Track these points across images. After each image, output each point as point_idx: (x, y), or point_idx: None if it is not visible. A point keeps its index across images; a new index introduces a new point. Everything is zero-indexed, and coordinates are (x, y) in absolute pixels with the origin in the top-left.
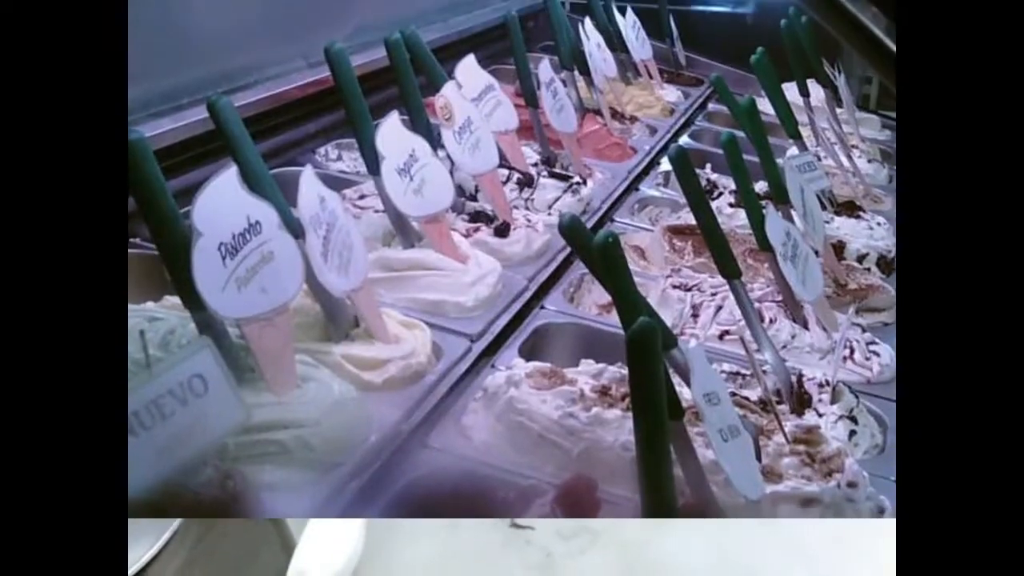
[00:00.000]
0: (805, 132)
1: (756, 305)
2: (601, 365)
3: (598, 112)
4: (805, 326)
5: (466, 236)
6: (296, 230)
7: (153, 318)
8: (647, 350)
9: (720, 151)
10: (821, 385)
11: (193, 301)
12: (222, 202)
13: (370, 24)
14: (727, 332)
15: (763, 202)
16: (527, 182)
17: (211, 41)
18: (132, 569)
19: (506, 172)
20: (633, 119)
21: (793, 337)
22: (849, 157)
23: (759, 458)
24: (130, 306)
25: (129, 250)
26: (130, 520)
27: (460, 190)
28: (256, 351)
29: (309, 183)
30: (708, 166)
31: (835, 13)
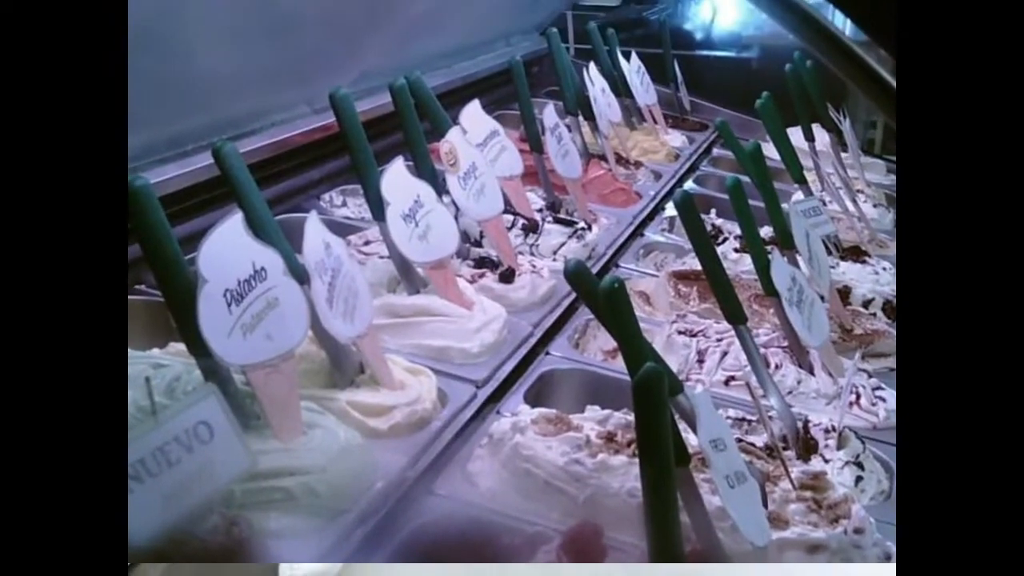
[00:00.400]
0: (810, 177)
1: (762, 351)
2: (607, 411)
3: (603, 157)
4: (811, 372)
5: (471, 282)
6: (301, 276)
7: (158, 365)
8: (653, 396)
9: (725, 196)
10: (827, 431)
11: (198, 348)
12: (227, 248)
13: (374, 70)
14: (733, 378)
15: (768, 247)
16: (532, 228)
17: (216, 87)
18: None
19: (511, 218)
20: (638, 164)
21: (799, 383)
22: (854, 202)
23: (765, 504)
24: (135, 353)
25: (134, 297)
26: None
27: (465, 236)
28: (262, 398)
29: (314, 229)
30: (713, 211)
31: (841, 55)
